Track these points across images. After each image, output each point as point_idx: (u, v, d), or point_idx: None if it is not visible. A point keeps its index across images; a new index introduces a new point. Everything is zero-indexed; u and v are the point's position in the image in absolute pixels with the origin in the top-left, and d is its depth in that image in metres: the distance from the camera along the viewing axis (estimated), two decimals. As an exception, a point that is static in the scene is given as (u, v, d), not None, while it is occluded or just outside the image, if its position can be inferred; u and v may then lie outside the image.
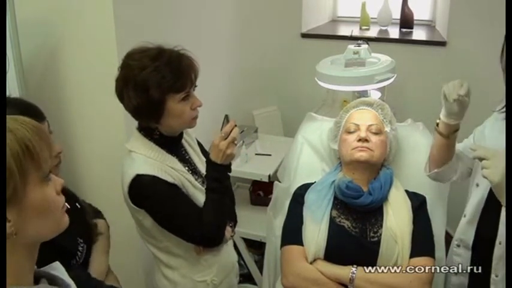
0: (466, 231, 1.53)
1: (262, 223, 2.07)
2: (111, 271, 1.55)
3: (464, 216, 1.55)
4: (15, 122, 0.79)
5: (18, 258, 0.79)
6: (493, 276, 1.40)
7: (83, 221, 1.50)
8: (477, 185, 1.48)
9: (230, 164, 1.47)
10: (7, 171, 0.74)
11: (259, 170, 2.46)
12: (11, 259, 0.78)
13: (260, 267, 2.43)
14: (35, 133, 0.80)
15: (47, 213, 0.81)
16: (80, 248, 1.41)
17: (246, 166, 2.48)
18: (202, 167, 1.57)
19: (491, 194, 1.40)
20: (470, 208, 1.52)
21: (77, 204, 1.51)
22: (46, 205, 0.81)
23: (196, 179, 1.53)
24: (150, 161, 1.42)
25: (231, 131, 1.42)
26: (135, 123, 1.50)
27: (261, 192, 2.80)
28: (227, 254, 1.66)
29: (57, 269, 0.89)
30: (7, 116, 0.79)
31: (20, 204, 0.77)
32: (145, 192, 1.40)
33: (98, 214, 1.62)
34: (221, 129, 1.45)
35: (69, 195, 1.42)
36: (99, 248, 1.52)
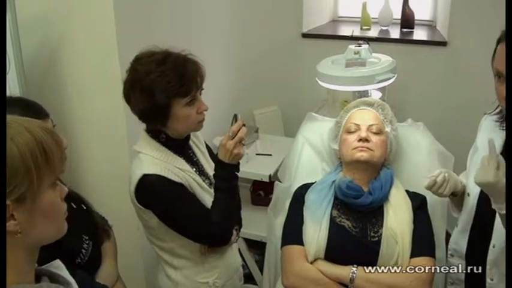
0: (458, 240, 1.54)
1: (262, 223, 2.07)
2: (120, 278, 1.55)
3: (457, 226, 1.56)
4: (32, 124, 0.80)
5: (19, 257, 0.79)
6: (488, 280, 1.40)
7: (89, 220, 1.51)
8: (468, 195, 1.48)
9: (238, 164, 1.48)
10: (23, 168, 0.75)
11: (260, 170, 2.46)
12: (12, 258, 0.78)
13: (261, 267, 2.43)
14: (51, 138, 0.81)
15: (52, 217, 0.82)
16: (85, 246, 1.42)
17: (247, 166, 2.48)
18: (209, 170, 1.58)
19: (480, 202, 1.42)
20: (462, 217, 1.53)
21: (83, 205, 1.51)
22: (53, 209, 0.82)
23: (203, 180, 1.53)
24: (157, 161, 1.43)
25: (238, 131, 1.42)
26: (136, 121, 1.50)
27: (262, 192, 2.80)
28: (231, 257, 1.66)
29: (58, 267, 0.90)
30: (23, 117, 0.81)
31: (32, 205, 0.78)
32: (152, 192, 1.41)
33: (104, 221, 1.62)
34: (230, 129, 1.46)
35: (74, 197, 1.43)
36: (109, 254, 1.53)
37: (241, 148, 1.44)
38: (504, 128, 1.39)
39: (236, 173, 1.48)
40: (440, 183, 1.46)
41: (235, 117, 1.47)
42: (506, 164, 1.25)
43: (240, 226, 1.68)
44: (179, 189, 1.44)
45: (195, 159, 1.58)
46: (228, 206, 1.48)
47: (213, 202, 1.47)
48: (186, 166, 1.49)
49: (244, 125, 1.45)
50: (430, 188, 1.48)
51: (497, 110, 1.43)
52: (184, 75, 1.38)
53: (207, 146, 1.68)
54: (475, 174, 1.27)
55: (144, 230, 1.56)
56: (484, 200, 1.37)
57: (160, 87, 1.35)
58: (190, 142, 1.58)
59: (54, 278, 0.87)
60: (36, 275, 0.84)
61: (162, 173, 1.40)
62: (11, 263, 0.78)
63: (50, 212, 0.81)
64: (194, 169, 1.53)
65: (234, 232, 1.58)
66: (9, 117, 0.80)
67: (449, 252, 1.58)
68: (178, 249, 1.52)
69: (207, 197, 1.50)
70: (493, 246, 1.38)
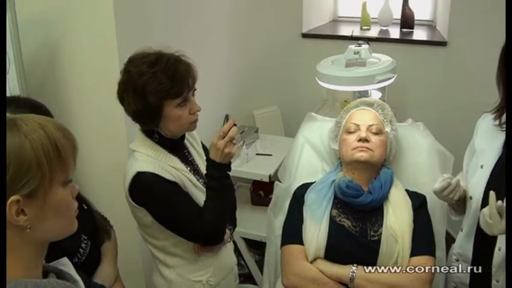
0: (464, 244, 1.52)
1: (262, 223, 2.07)
2: (120, 279, 1.55)
3: (461, 230, 1.54)
4: (46, 121, 0.81)
5: (27, 252, 0.81)
6: (494, 282, 1.39)
7: (89, 219, 1.51)
8: (470, 198, 1.46)
9: (230, 163, 1.48)
10: (36, 164, 0.76)
11: (260, 170, 2.46)
12: (21, 253, 0.79)
13: (260, 267, 2.43)
14: (64, 136, 0.82)
15: (62, 214, 0.84)
16: (83, 245, 1.41)
17: (247, 166, 2.48)
18: (204, 169, 1.58)
19: (484, 206, 1.38)
20: (466, 221, 1.51)
21: (84, 205, 1.51)
22: (64, 206, 0.83)
23: (198, 180, 1.54)
24: (151, 160, 1.44)
25: (229, 130, 1.43)
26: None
27: (262, 192, 2.80)
28: (225, 256, 1.66)
29: (66, 264, 0.92)
30: (37, 115, 0.82)
31: (43, 201, 0.79)
32: (146, 189, 1.42)
33: (106, 221, 1.62)
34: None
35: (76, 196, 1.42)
36: (108, 254, 1.52)
37: (232, 147, 1.44)
38: (503, 129, 1.39)
39: (228, 172, 1.49)
40: (454, 185, 1.42)
41: (226, 118, 1.48)
42: (506, 164, 1.25)
43: (235, 226, 1.69)
44: (173, 188, 1.44)
45: (190, 159, 1.58)
46: (220, 205, 1.49)
47: (205, 201, 1.48)
48: (181, 165, 1.50)
49: (235, 124, 1.45)
50: (441, 191, 1.42)
51: (497, 107, 1.42)
52: (175, 76, 1.38)
53: (204, 146, 1.68)
54: (481, 226, 1.30)
55: (138, 229, 1.57)
56: (487, 203, 1.37)
57: (152, 89, 1.36)
58: (186, 141, 1.58)
59: (61, 275, 0.88)
60: (43, 272, 0.85)
61: (156, 171, 1.41)
62: (19, 257, 0.79)
63: (61, 209, 0.83)
64: (189, 168, 1.54)
65: (228, 232, 1.59)
66: (24, 115, 0.81)
67: (454, 257, 1.57)
68: (172, 248, 1.53)
69: (201, 195, 1.51)
70: (499, 249, 1.37)
